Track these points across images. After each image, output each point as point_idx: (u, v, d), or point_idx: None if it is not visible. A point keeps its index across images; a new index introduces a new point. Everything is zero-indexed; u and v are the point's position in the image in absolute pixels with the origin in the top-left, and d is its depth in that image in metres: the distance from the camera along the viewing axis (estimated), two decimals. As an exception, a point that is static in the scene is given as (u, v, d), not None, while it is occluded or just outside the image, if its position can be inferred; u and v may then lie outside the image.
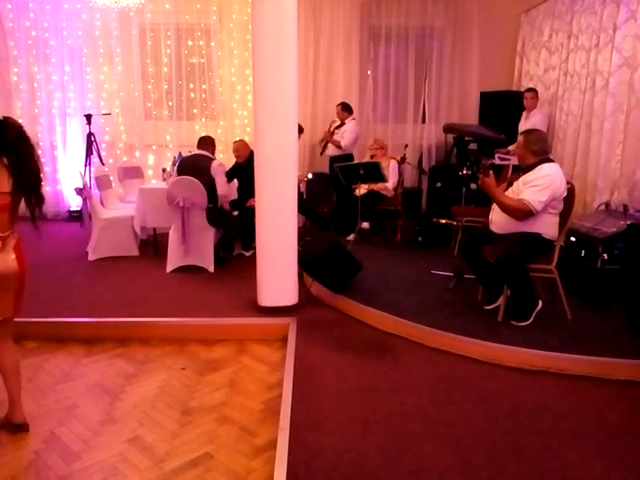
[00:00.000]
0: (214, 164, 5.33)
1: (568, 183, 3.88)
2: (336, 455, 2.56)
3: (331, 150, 6.99)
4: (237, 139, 6.57)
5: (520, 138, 3.95)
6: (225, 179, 5.50)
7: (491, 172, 3.85)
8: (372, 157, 6.42)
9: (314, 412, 2.90)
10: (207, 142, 5.61)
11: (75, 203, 7.74)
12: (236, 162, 6.09)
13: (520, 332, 3.73)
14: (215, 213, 5.36)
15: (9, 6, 7.30)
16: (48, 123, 7.65)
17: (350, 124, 6.90)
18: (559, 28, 6.34)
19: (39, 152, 7.66)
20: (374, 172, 5.74)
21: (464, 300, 4.31)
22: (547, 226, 3.80)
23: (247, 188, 5.33)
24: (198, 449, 2.71)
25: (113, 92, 7.64)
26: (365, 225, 6.40)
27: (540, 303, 3.90)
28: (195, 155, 5.51)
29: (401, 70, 7.80)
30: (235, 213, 5.79)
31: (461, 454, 2.58)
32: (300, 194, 5.19)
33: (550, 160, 3.85)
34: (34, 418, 2.98)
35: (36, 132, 7.64)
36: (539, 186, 3.68)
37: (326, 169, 7.30)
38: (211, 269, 5.29)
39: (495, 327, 3.80)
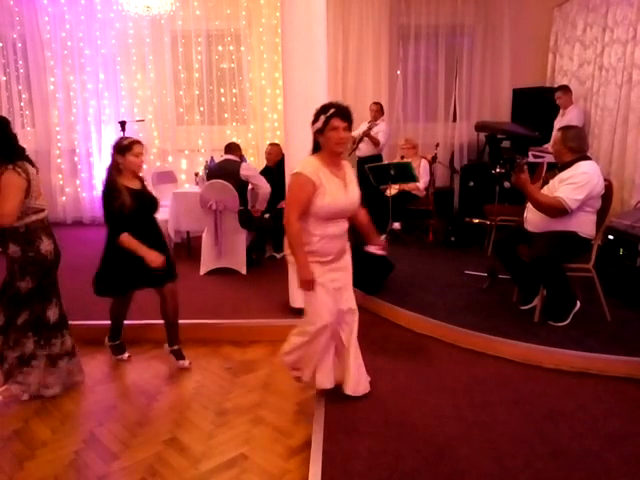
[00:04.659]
0: (243, 170, 5.34)
1: (605, 180, 3.79)
2: (371, 457, 2.55)
3: (363, 151, 6.94)
4: (274, 142, 6.61)
5: (557, 134, 3.87)
6: (263, 178, 5.51)
7: (525, 168, 3.79)
8: (402, 157, 6.39)
9: (348, 414, 2.89)
10: (233, 147, 5.71)
11: (111, 208, 7.89)
12: (266, 165, 6.15)
13: (557, 333, 3.65)
14: (247, 216, 5.40)
15: (46, 18, 7.52)
16: (84, 130, 7.84)
17: (382, 124, 6.87)
18: (593, 21, 6.19)
19: (76, 159, 7.89)
20: (405, 172, 5.71)
21: (499, 301, 4.24)
22: (583, 224, 3.71)
23: (278, 191, 5.35)
24: (233, 450, 2.73)
25: (146, 99, 7.78)
26: (396, 226, 6.36)
27: (578, 303, 3.82)
28: (223, 160, 5.58)
29: (431, 69, 7.73)
30: (266, 216, 5.83)
31: (498, 457, 2.54)
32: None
33: (587, 158, 3.77)
34: (74, 419, 3.07)
35: (72, 139, 7.85)
36: (575, 184, 3.60)
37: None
38: (243, 271, 5.34)
39: (531, 328, 3.73)
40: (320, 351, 2.95)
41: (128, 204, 3.27)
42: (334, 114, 2.76)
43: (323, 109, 2.81)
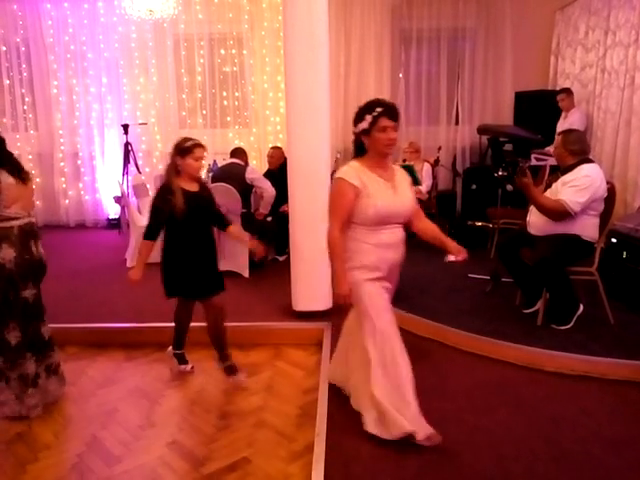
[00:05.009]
0: (248, 174, 5.38)
1: (608, 183, 3.79)
2: (373, 461, 2.55)
3: None
4: (277, 145, 6.63)
5: (558, 138, 3.87)
6: (268, 182, 5.54)
7: (528, 173, 3.78)
8: (404, 160, 6.39)
9: (350, 417, 2.88)
10: (239, 152, 5.77)
11: (114, 211, 7.92)
12: (268, 169, 6.17)
13: (560, 336, 3.64)
14: (250, 219, 5.41)
15: (49, 22, 7.55)
16: (87, 134, 7.86)
17: None
18: (596, 25, 6.19)
19: (79, 162, 7.92)
20: (407, 175, 5.70)
21: (502, 304, 4.24)
22: (586, 227, 3.71)
23: (280, 194, 5.37)
24: (236, 454, 2.73)
25: (149, 102, 7.80)
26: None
27: (581, 307, 3.81)
28: (228, 164, 5.62)
29: (433, 72, 7.74)
30: (269, 219, 5.84)
31: (501, 461, 2.53)
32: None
33: (590, 160, 3.76)
34: (76, 422, 3.07)
35: (75, 143, 7.87)
36: (578, 187, 3.60)
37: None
38: (246, 274, 5.34)
39: (534, 331, 3.72)
40: (401, 358, 2.67)
41: (180, 207, 3.13)
42: (382, 113, 2.55)
43: (368, 108, 2.61)
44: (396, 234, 2.71)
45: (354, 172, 2.64)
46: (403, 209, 2.71)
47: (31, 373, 3.05)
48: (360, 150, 2.73)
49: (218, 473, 2.59)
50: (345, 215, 2.62)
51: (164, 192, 3.20)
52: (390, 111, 2.58)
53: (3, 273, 2.90)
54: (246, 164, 5.69)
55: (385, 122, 2.56)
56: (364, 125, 2.60)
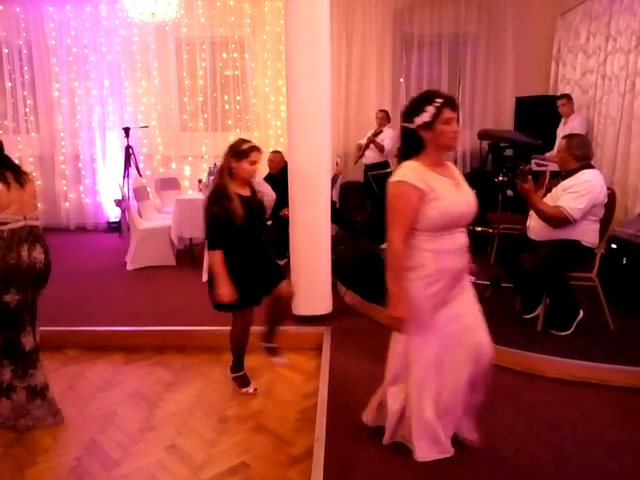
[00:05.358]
0: None
1: (608, 189, 3.79)
2: (373, 465, 2.54)
3: (369, 158, 6.93)
4: (277, 149, 6.63)
5: (562, 142, 3.86)
6: (269, 186, 5.54)
7: (529, 178, 3.77)
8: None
9: (350, 422, 2.87)
10: None
11: (114, 214, 7.93)
12: (269, 172, 6.17)
13: (560, 342, 3.64)
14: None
15: (52, 25, 7.58)
16: (88, 137, 7.88)
17: (389, 131, 6.86)
18: (597, 30, 6.20)
19: (80, 165, 7.93)
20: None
21: (502, 309, 4.23)
22: (586, 233, 3.71)
23: (280, 198, 5.37)
24: (235, 458, 2.72)
25: (150, 105, 7.82)
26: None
27: (581, 312, 3.80)
28: None
29: (434, 77, 7.74)
30: (269, 222, 5.84)
31: (501, 466, 2.52)
32: (333, 203, 5.22)
33: (591, 166, 3.76)
34: (75, 425, 3.06)
35: (76, 145, 7.89)
36: (577, 193, 3.59)
37: (359, 177, 7.29)
38: (246, 278, 5.32)
39: (534, 337, 3.71)
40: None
41: (240, 214, 2.98)
42: (444, 104, 2.30)
43: (426, 99, 2.33)
44: (460, 239, 2.48)
45: (415, 173, 2.34)
46: (470, 209, 2.45)
47: (5, 381, 2.90)
48: (414, 147, 2.41)
49: (217, 477, 2.58)
50: (409, 223, 2.33)
51: (220, 198, 3.02)
52: (451, 102, 2.34)
53: None
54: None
55: (449, 113, 2.31)
56: (425, 118, 2.31)
